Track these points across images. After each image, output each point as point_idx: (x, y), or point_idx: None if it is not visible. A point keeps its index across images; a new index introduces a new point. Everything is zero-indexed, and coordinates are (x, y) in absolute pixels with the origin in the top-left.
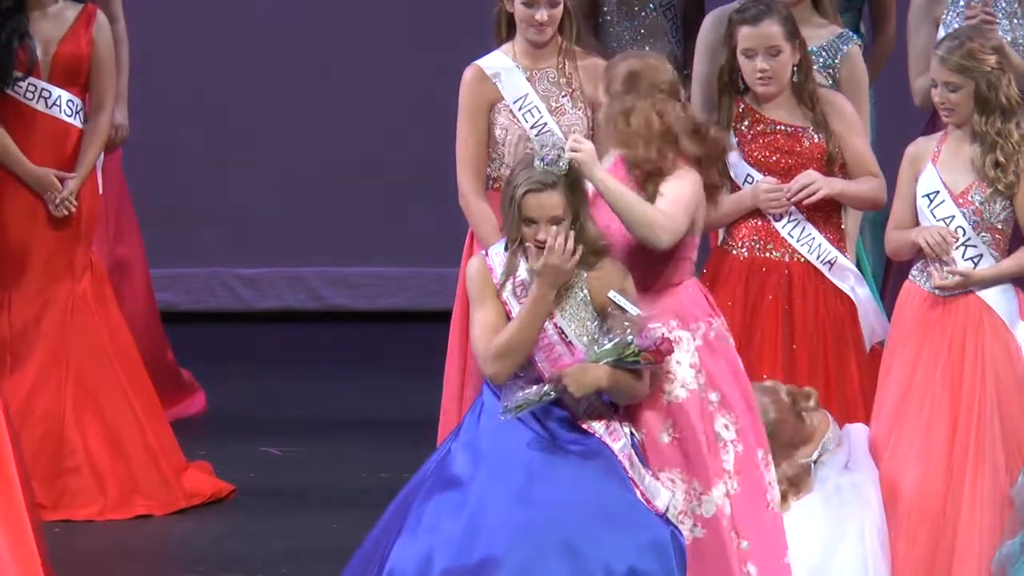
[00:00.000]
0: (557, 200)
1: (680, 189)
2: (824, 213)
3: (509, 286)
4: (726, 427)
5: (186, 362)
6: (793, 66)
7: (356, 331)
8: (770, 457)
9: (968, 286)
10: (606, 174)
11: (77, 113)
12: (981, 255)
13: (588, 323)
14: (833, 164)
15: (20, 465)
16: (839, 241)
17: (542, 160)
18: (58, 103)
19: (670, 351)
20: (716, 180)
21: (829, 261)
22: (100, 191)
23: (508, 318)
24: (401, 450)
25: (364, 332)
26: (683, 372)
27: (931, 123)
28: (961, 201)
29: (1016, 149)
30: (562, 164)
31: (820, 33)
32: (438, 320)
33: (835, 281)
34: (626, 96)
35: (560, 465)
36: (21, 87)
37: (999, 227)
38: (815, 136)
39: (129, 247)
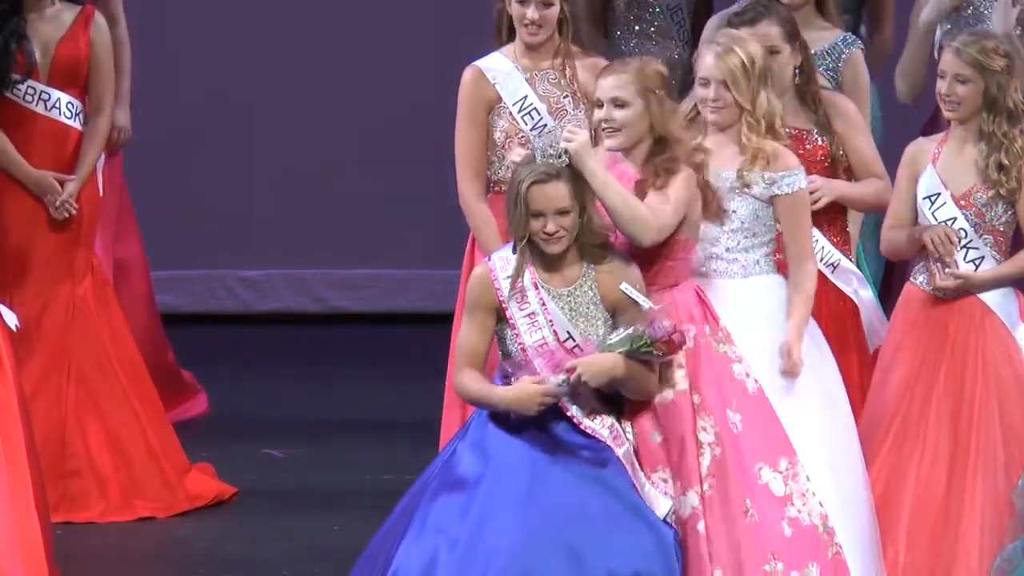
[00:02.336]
0: (563, 191)
1: (671, 186)
2: (828, 216)
3: (515, 290)
4: (704, 430)
5: (187, 364)
6: (795, 68)
7: (357, 333)
8: (799, 469)
9: (968, 288)
10: (598, 165)
11: (77, 115)
12: (983, 257)
13: (599, 322)
14: (837, 166)
15: (35, 469)
16: (843, 244)
17: (542, 153)
18: (57, 105)
19: (683, 343)
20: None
21: (832, 263)
22: (100, 193)
23: (508, 322)
24: (402, 452)
25: (365, 334)
26: (674, 374)
27: (931, 123)
28: (963, 203)
29: (1020, 155)
30: (561, 153)
31: (823, 36)
32: (439, 322)
33: (838, 284)
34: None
35: (564, 468)
36: (20, 90)
37: (1001, 229)
38: (819, 139)
39: (129, 249)
